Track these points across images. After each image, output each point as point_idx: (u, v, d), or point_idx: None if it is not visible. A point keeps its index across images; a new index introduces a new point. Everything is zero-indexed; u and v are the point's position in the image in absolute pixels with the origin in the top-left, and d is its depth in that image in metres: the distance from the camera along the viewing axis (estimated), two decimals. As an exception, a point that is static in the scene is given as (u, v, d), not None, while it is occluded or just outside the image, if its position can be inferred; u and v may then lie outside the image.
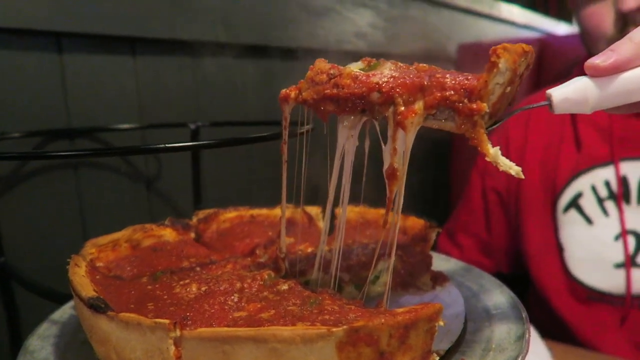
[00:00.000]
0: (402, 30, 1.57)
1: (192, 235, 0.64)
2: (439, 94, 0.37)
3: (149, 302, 0.44)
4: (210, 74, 1.03)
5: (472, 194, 1.22)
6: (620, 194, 0.95)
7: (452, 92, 0.37)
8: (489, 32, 2.07)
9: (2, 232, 0.74)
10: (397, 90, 0.39)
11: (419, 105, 0.39)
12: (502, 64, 0.36)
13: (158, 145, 0.48)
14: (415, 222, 0.62)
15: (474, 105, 0.36)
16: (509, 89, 0.37)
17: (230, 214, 0.68)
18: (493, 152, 0.38)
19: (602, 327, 0.95)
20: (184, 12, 0.97)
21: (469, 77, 0.37)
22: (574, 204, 0.99)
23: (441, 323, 0.37)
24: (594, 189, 0.98)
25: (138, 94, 0.93)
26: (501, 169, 0.38)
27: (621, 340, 0.94)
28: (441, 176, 1.77)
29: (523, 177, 0.39)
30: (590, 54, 1.06)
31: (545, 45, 1.55)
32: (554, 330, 0.96)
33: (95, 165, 0.88)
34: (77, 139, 0.85)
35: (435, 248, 1.33)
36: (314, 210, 0.70)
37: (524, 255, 1.09)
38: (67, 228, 0.85)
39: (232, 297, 0.44)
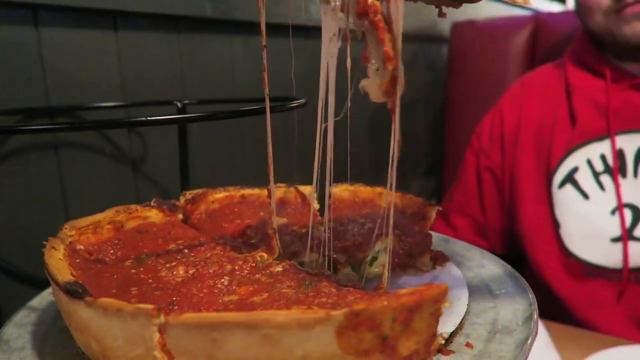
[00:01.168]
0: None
1: (180, 216, 0.61)
2: None
3: (132, 287, 0.41)
4: (196, 51, 0.99)
5: (466, 175, 1.20)
6: (617, 168, 0.94)
7: None
8: (483, 11, 2.03)
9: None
10: None
11: None
12: None
13: (141, 119, 0.45)
14: (414, 201, 0.59)
15: None
16: None
17: (220, 194, 0.65)
18: None
19: (599, 303, 0.94)
20: (168, -15, 0.93)
21: None
22: (570, 178, 0.98)
23: (447, 304, 0.35)
24: (589, 163, 0.96)
25: (121, 71, 0.89)
26: None
27: (618, 316, 0.93)
28: (435, 156, 1.75)
29: (530, 3, 0.36)
30: (586, 27, 1.04)
31: (539, 23, 1.52)
32: (551, 309, 0.95)
33: (77, 145, 0.84)
34: (57, 117, 0.81)
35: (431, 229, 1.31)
36: (307, 189, 0.67)
37: (519, 234, 1.07)
38: (49, 211, 0.81)
39: (222, 280, 0.42)
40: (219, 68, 1.01)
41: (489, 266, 0.54)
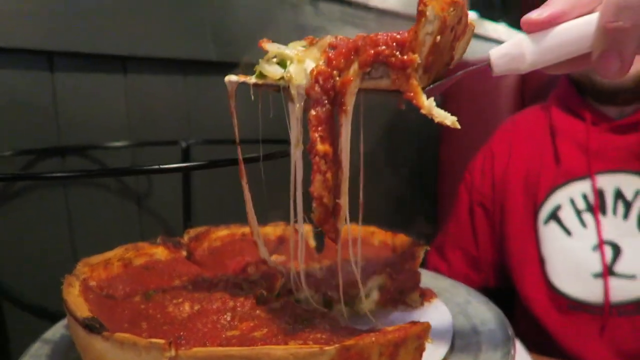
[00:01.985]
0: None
1: (184, 253, 0.64)
2: (371, 51, 0.38)
3: (142, 321, 0.44)
4: (201, 92, 1.04)
5: (459, 209, 1.24)
6: (597, 206, 0.98)
7: (384, 47, 0.37)
8: (476, 49, 2.10)
9: (-8, 250, 0.74)
10: (334, 59, 0.39)
11: (353, 68, 0.39)
12: (430, 11, 0.36)
13: (150, 167, 0.49)
14: (404, 240, 0.63)
15: (406, 57, 0.37)
16: (439, 38, 0.37)
17: (222, 232, 0.69)
18: (427, 104, 0.39)
19: (584, 336, 0.97)
20: (175, 31, 0.98)
21: (401, 32, 0.38)
22: (554, 216, 1.02)
23: (429, 341, 0.38)
24: (572, 201, 1.01)
25: (129, 112, 0.94)
26: (437, 120, 0.39)
27: (603, 348, 0.96)
28: (429, 189, 1.79)
29: (458, 126, 0.39)
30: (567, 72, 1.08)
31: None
32: (540, 342, 0.97)
33: (85, 182, 0.88)
34: (69, 156, 0.85)
35: (424, 263, 1.34)
36: (305, 227, 0.71)
37: (508, 267, 1.11)
38: (57, 246, 0.85)
39: (225, 315, 0.45)
40: (223, 109, 1.06)
41: (474, 303, 0.57)
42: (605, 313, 0.95)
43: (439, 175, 1.71)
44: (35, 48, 0.79)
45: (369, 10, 1.48)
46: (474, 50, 1.91)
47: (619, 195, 0.97)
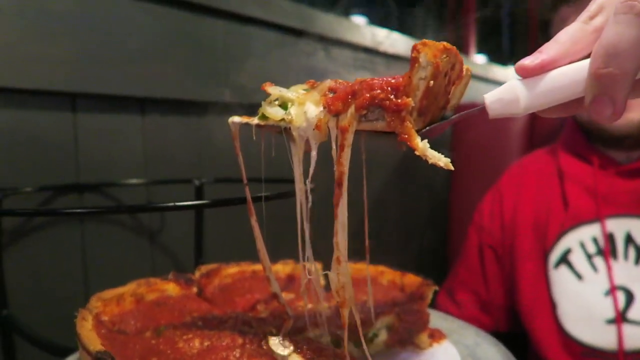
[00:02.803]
0: (399, 91, 1.63)
1: (195, 289, 0.65)
2: (367, 95, 0.39)
3: (153, 357, 0.45)
4: (215, 133, 1.07)
5: (469, 251, 1.23)
6: (608, 251, 0.97)
7: (379, 91, 0.39)
8: (484, 92, 2.14)
9: (7, 284, 0.75)
10: (331, 103, 0.41)
11: (350, 111, 0.41)
12: (422, 57, 0.38)
13: (166, 205, 0.51)
14: (413, 280, 0.64)
15: (400, 101, 0.38)
16: (432, 83, 0.39)
17: (232, 269, 0.70)
18: (422, 146, 0.40)
19: None
20: (192, 75, 1.03)
21: (395, 77, 0.40)
22: (564, 259, 1.01)
23: (437, 381, 0.39)
24: (582, 245, 1.00)
25: (145, 151, 0.96)
26: (430, 161, 0.40)
27: (617, 396, 0.93)
28: (439, 231, 1.79)
29: (452, 168, 0.40)
30: (574, 117, 1.10)
31: (537, 107, 1.61)
32: (553, 389, 0.95)
33: (100, 219, 0.90)
34: (86, 193, 0.87)
35: (434, 305, 1.33)
36: (314, 265, 0.72)
37: (519, 312, 1.09)
38: (70, 280, 0.86)
39: (234, 352, 0.46)
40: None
41: (483, 345, 0.57)
42: None
43: (449, 216, 1.71)
44: (59, 90, 0.83)
45: (378, 54, 1.53)
46: (480, 93, 1.93)
47: (629, 240, 0.97)
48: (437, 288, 0.61)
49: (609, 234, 0.98)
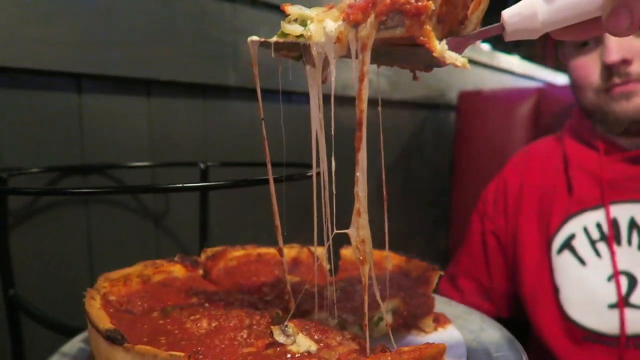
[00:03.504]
0: (404, 78, 1.62)
1: (200, 272, 0.65)
2: (388, 1, 0.39)
3: (161, 337, 0.45)
4: (220, 116, 1.07)
5: (472, 238, 1.24)
6: (611, 236, 0.98)
7: None
8: (489, 80, 2.14)
9: (14, 264, 0.75)
10: (351, 13, 0.41)
11: (370, 20, 0.40)
12: None
13: (168, 185, 0.51)
14: (418, 265, 0.64)
15: (420, 4, 0.39)
16: None
17: (238, 252, 0.70)
18: (440, 47, 0.40)
19: None
20: (197, 57, 1.02)
21: None
22: (568, 245, 1.02)
23: (445, 363, 0.39)
24: (586, 230, 1.01)
25: (150, 134, 0.96)
26: (448, 62, 0.40)
27: (619, 380, 0.94)
28: (442, 217, 1.79)
29: (469, 68, 0.40)
30: (580, 104, 1.11)
31: (543, 95, 1.60)
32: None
33: (105, 201, 0.90)
34: (91, 175, 0.87)
35: (436, 292, 1.34)
36: (319, 250, 0.72)
37: (521, 297, 1.10)
38: (76, 261, 0.86)
39: (242, 333, 0.46)
40: (240, 131, 1.09)
41: (488, 330, 0.57)
42: (622, 345, 0.93)
43: (452, 204, 1.71)
44: (65, 70, 0.83)
45: (385, 40, 1.52)
46: (487, 80, 1.96)
47: (633, 225, 0.97)
48: (442, 273, 0.61)
49: (612, 219, 0.98)
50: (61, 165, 0.83)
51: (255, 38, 0.46)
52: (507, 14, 0.41)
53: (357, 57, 0.42)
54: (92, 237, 0.88)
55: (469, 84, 1.95)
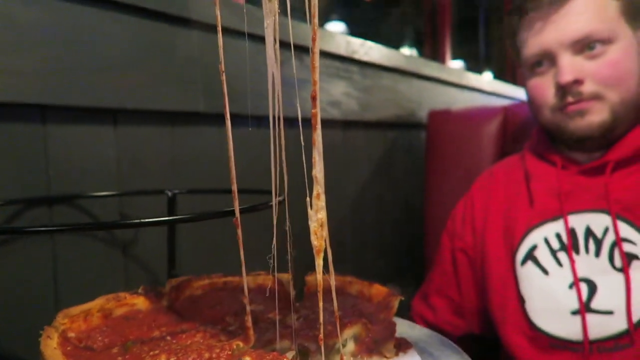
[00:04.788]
0: (374, 98, 1.66)
1: (165, 303, 0.65)
2: None
3: (118, 374, 0.45)
4: (188, 142, 1.08)
5: (442, 257, 1.26)
6: (570, 245, 1.02)
7: None
8: (459, 99, 2.19)
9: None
10: None
11: None
12: None
13: (133, 221, 0.51)
14: (380, 290, 0.65)
15: None
16: None
17: (203, 282, 0.70)
18: None
19: None
20: (165, 84, 1.03)
21: None
22: (530, 256, 1.06)
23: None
24: (546, 241, 1.05)
25: (118, 162, 0.96)
26: None
27: (587, 386, 0.97)
28: (416, 237, 1.81)
29: None
30: (538, 121, 1.16)
31: (509, 113, 1.65)
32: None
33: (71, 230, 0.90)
34: (56, 205, 0.87)
35: (409, 311, 1.35)
36: (285, 276, 0.73)
37: (490, 311, 1.13)
38: (40, 294, 0.85)
39: (200, 367, 0.46)
40: (209, 158, 1.09)
41: (446, 352, 0.59)
42: (586, 350, 0.97)
43: (425, 222, 1.73)
44: (29, 102, 0.83)
45: (353, 62, 1.55)
46: (455, 100, 2.01)
47: (589, 233, 1.02)
48: (402, 298, 0.62)
49: (571, 229, 1.03)
50: (26, 198, 0.82)
51: None
52: None
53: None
54: (57, 267, 0.87)
55: (438, 102, 2.00)
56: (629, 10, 1.03)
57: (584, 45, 1.02)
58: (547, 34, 1.04)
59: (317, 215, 0.46)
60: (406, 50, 3.28)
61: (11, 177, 0.82)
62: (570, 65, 1.01)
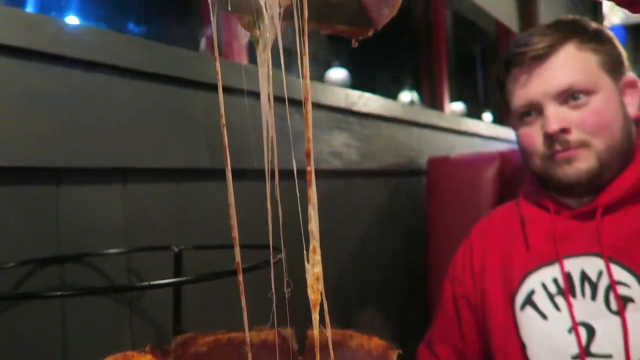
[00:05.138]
0: (374, 147, 1.71)
1: (171, 360, 0.67)
2: None
3: None
4: (194, 198, 1.12)
5: (445, 303, 1.27)
6: (567, 290, 1.04)
7: None
8: (458, 144, 2.24)
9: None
10: None
11: None
12: None
13: (141, 284, 0.54)
14: (379, 343, 0.67)
15: None
16: None
17: (208, 338, 0.72)
18: None
19: None
20: (172, 143, 1.08)
21: None
22: (529, 301, 1.08)
23: None
24: (544, 286, 1.07)
25: (126, 219, 1.00)
26: None
27: None
28: (419, 285, 1.82)
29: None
30: (529, 168, 1.20)
31: (505, 158, 1.69)
32: None
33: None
34: (67, 264, 0.90)
35: (415, 359, 1.34)
36: (288, 330, 0.75)
37: (493, 358, 1.13)
38: (49, 354, 0.87)
39: None
40: (214, 213, 1.13)
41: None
42: None
43: (428, 269, 1.75)
44: (45, 166, 0.87)
45: (352, 114, 1.61)
46: (454, 146, 2.06)
47: (584, 277, 1.04)
48: (400, 352, 0.64)
49: (567, 273, 1.04)
50: (37, 258, 0.86)
51: None
52: None
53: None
54: (66, 327, 0.89)
55: (437, 149, 2.05)
56: (608, 63, 1.09)
57: (568, 96, 1.07)
58: (532, 87, 1.10)
59: (314, 269, 0.49)
60: (407, 94, 3.37)
61: (24, 237, 0.86)
62: (556, 116, 1.06)
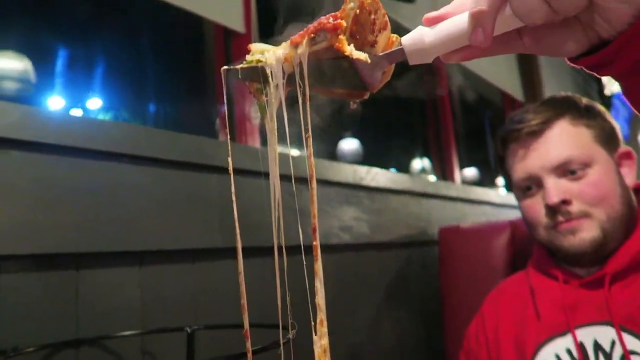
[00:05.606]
0: (384, 220, 1.74)
1: None
2: (316, 24, 0.54)
3: None
4: (209, 277, 1.15)
5: (462, 376, 1.25)
6: None
7: (325, 21, 0.53)
8: (468, 213, 2.26)
9: None
10: (293, 39, 0.55)
11: (305, 39, 0.54)
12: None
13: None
14: None
15: (336, 22, 0.53)
16: (358, 11, 0.53)
17: (218, 420, 0.73)
18: (349, 49, 0.53)
19: None
20: (186, 225, 1.13)
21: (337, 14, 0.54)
22: None
23: None
24: (558, 357, 1.06)
25: (142, 300, 1.04)
26: (355, 57, 0.52)
27: None
28: (436, 350, 1.78)
29: (369, 61, 0.53)
30: (535, 239, 1.21)
31: (515, 227, 1.70)
32: None
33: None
34: (83, 347, 0.93)
35: None
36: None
37: None
38: None
39: None
40: (228, 290, 1.16)
41: None
42: None
43: (445, 339, 1.72)
44: (65, 252, 0.93)
45: (361, 189, 1.66)
46: (464, 215, 2.08)
47: (597, 347, 1.03)
48: None
49: (580, 343, 1.03)
50: (55, 342, 0.89)
51: (225, 67, 0.58)
52: (405, 38, 0.54)
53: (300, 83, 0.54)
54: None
55: (448, 219, 2.07)
56: (602, 137, 1.13)
57: (566, 169, 1.11)
58: (530, 160, 1.14)
59: (321, 341, 0.52)
60: (418, 162, 3.43)
61: (44, 321, 0.90)
62: (555, 188, 1.10)
